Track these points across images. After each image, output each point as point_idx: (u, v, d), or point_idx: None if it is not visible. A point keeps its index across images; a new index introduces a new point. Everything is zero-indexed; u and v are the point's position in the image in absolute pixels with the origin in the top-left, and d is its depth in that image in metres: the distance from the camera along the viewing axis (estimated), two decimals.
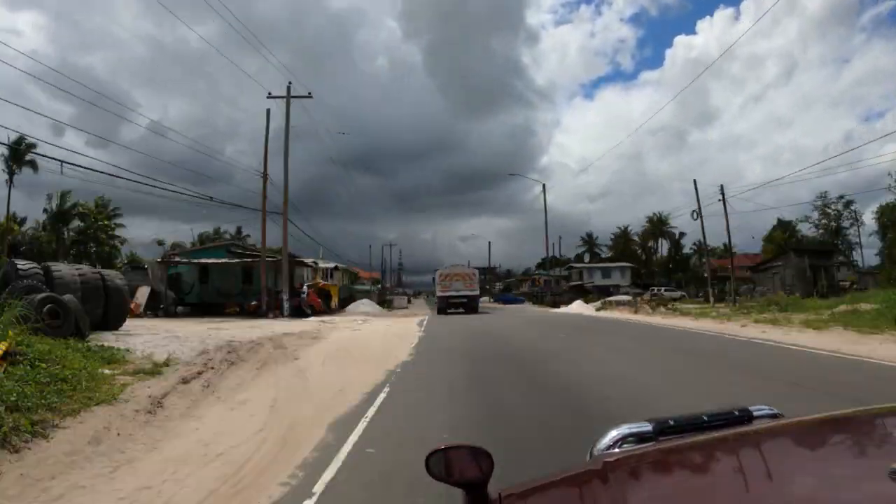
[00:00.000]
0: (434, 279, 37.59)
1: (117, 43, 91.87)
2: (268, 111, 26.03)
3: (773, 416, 1.22)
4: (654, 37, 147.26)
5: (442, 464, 1.03)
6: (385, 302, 51.52)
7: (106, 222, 46.11)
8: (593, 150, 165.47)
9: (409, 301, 71.87)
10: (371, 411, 6.19)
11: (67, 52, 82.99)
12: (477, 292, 33.99)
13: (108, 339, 10.32)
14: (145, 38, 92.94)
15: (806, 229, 53.18)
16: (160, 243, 45.38)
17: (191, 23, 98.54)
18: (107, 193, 42.10)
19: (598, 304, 35.64)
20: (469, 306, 32.06)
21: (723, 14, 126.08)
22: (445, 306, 32.16)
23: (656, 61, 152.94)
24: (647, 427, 1.15)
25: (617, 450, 1.12)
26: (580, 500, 0.95)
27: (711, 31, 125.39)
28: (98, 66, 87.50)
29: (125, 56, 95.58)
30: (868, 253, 52.94)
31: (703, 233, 36.37)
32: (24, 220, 44.14)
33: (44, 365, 6.32)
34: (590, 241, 72.74)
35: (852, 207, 49.78)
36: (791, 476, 0.91)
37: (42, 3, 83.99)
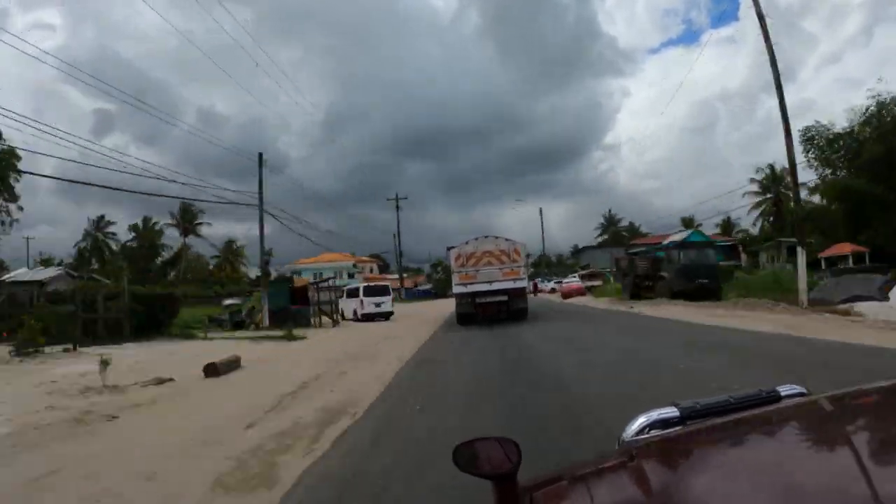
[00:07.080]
0: (448, 263, 21.34)
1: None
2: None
3: (801, 396, 1.20)
4: None
5: (470, 456, 1.03)
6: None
7: None
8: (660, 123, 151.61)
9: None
10: None
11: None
12: (524, 283, 19.39)
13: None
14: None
15: None
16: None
17: (229, 8, 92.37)
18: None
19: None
20: (512, 308, 18.40)
21: None
22: (471, 311, 18.41)
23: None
24: (674, 412, 1.14)
25: (645, 436, 1.12)
26: (610, 488, 0.95)
27: None
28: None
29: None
30: None
31: None
32: None
33: None
34: None
35: None
36: (821, 452, 0.89)
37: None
